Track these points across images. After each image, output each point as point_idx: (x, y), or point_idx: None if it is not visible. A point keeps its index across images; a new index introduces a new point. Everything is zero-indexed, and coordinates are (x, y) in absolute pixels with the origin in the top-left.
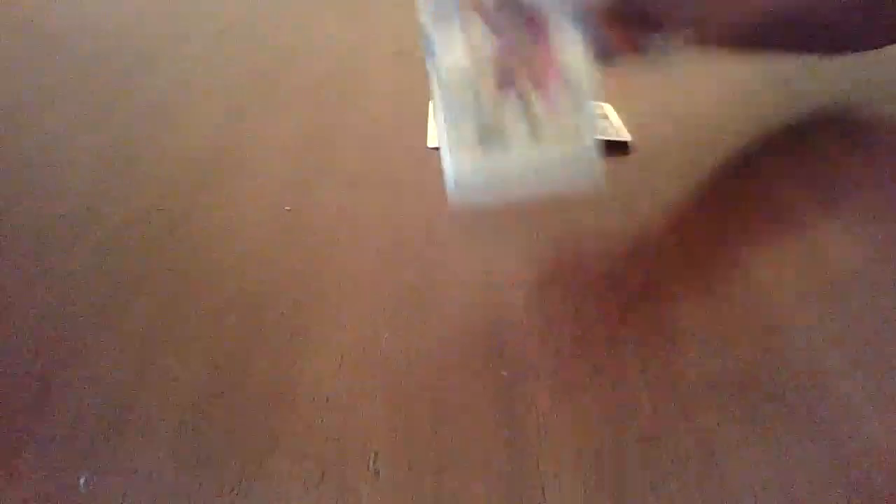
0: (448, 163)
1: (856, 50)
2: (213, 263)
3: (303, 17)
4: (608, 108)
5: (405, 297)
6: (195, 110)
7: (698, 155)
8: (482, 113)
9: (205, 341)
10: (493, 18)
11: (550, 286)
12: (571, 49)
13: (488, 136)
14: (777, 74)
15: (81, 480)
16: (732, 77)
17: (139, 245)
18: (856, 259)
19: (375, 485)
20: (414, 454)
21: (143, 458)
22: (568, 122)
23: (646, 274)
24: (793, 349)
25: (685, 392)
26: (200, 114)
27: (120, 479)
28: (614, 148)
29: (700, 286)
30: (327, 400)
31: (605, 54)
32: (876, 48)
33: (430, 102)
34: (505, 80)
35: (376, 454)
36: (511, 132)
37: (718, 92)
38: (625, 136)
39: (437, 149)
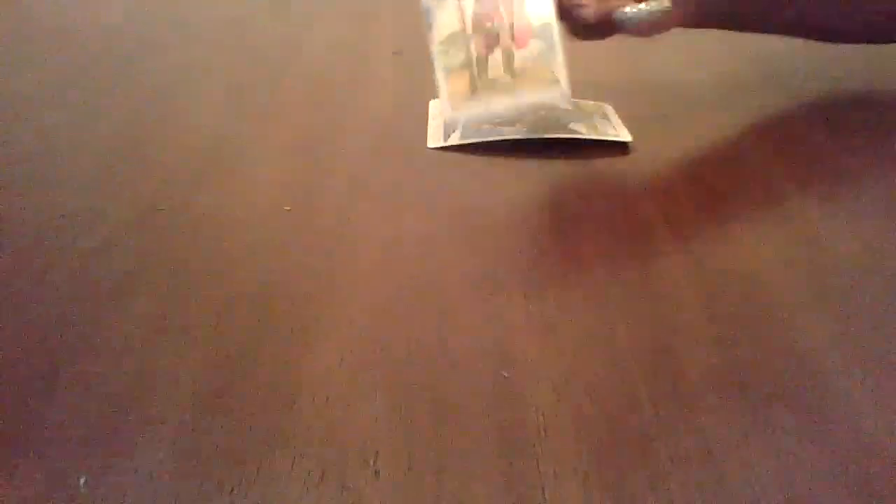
0: (446, 107)
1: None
2: (213, 263)
3: (303, 17)
4: (608, 108)
5: (405, 297)
6: (195, 110)
7: (698, 155)
8: (473, 67)
9: (205, 341)
10: None
11: (550, 286)
12: (540, 9)
13: (478, 86)
14: (777, 73)
15: (81, 480)
16: (732, 77)
17: (139, 245)
18: (857, 258)
19: (375, 485)
20: (414, 454)
21: (143, 458)
22: (544, 72)
23: (646, 273)
24: (793, 349)
25: (685, 392)
26: (201, 113)
27: (120, 479)
28: (614, 148)
29: (700, 286)
30: (327, 400)
31: (577, 26)
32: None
33: (430, 102)
34: (489, 41)
35: (376, 454)
36: (499, 83)
37: (718, 92)
38: (625, 136)
39: (436, 149)
